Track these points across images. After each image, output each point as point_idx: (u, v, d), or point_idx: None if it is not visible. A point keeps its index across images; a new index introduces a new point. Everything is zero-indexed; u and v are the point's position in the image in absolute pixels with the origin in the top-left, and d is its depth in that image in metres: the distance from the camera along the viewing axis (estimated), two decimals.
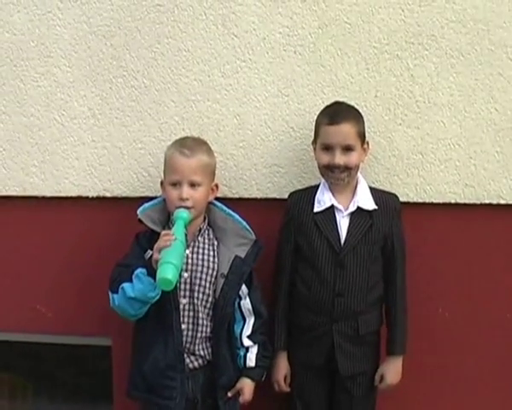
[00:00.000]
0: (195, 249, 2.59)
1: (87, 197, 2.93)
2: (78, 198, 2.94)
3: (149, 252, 2.48)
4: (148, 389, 2.57)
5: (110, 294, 2.53)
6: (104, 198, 2.92)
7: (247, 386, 2.63)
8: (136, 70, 2.85)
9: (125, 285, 2.45)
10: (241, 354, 2.64)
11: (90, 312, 2.92)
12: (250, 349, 2.64)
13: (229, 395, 2.61)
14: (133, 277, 2.44)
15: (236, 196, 2.85)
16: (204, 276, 2.56)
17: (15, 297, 3.02)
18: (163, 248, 2.35)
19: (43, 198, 2.96)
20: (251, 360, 2.63)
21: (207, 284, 2.57)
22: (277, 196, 2.83)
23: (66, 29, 2.88)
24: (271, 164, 2.83)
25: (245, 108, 2.81)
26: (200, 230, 2.61)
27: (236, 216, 2.64)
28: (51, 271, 2.99)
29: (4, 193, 2.97)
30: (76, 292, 2.97)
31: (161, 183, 2.64)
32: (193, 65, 2.82)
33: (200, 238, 2.61)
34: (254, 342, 2.63)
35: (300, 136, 2.79)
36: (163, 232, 2.44)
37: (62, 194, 2.94)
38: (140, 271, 2.43)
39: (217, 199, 2.72)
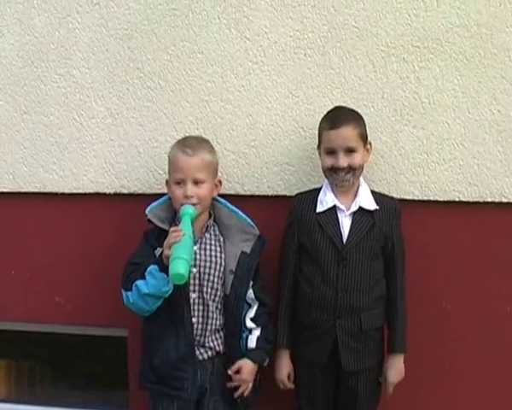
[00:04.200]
0: (203, 246, 2.65)
1: (104, 194, 3.00)
2: (96, 194, 3.00)
3: (159, 249, 2.54)
4: (159, 381, 2.63)
5: (123, 292, 2.59)
6: (121, 194, 2.98)
7: (245, 366, 2.64)
8: (152, 72, 2.92)
9: (139, 283, 2.52)
10: (244, 336, 2.68)
11: (107, 304, 2.96)
12: (253, 331, 2.68)
13: (229, 372, 2.63)
14: (146, 273, 2.50)
15: (248, 192, 2.91)
16: (212, 271, 2.63)
17: (35, 290, 3.08)
18: (173, 244, 2.43)
19: (63, 194, 3.02)
20: (252, 341, 2.67)
21: (215, 279, 2.63)
22: (287, 194, 2.88)
23: (84, 32, 2.94)
24: (282, 162, 2.88)
25: (257, 109, 2.87)
26: (207, 226, 2.67)
27: (240, 213, 2.70)
28: (70, 264, 3.05)
29: (25, 190, 3.04)
30: (93, 285, 3.03)
31: (166, 182, 2.70)
32: (207, 67, 2.88)
33: (207, 235, 2.67)
34: (257, 325, 2.68)
35: (310, 135, 2.84)
36: (172, 229, 2.50)
37: (81, 190, 3.01)
38: (152, 267, 2.50)
39: (227, 196, 2.79)
